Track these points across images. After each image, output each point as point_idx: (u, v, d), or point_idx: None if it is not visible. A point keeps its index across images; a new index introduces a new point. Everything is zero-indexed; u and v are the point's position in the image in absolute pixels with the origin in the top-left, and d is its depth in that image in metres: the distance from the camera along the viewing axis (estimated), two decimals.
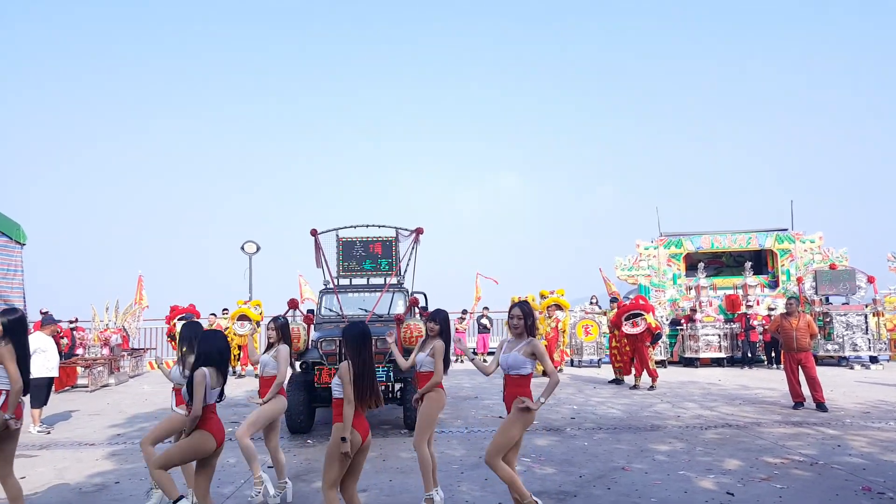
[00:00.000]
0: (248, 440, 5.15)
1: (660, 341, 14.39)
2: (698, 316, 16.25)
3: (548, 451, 6.91)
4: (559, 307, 14.27)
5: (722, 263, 18.97)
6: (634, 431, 7.90)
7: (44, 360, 8.60)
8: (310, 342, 8.38)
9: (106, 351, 14.92)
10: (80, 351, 15.02)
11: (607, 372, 14.31)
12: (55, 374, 8.95)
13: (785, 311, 9.77)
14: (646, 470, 6.07)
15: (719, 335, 16.08)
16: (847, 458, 6.32)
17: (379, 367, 7.76)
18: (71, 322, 16.23)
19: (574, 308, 16.07)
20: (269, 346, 5.69)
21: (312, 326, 8.72)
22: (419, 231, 9.24)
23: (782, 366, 10.34)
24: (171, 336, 15.21)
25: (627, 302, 12.97)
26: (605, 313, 15.26)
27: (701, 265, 17.43)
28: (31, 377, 8.10)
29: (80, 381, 13.64)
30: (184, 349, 4.94)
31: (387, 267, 9.59)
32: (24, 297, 18.97)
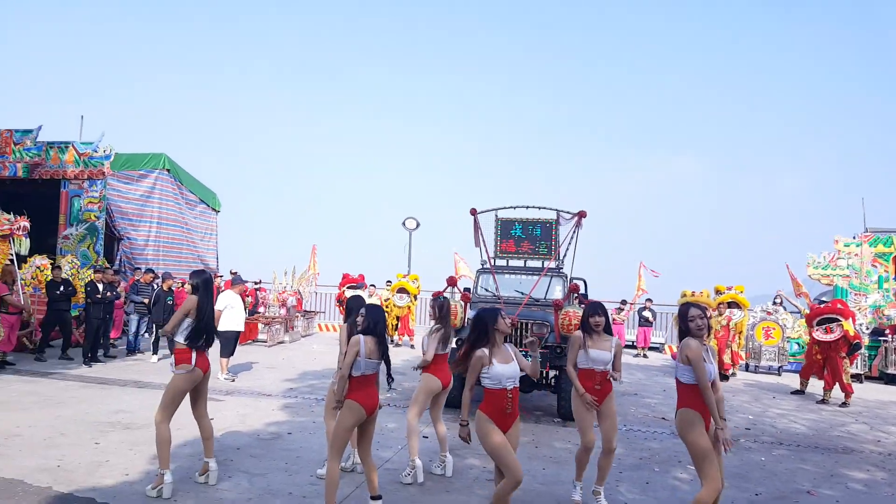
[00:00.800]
0: (413, 419, 5.37)
1: (858, 353, 12.58)
2: None
3: None
4: (736, 305, 13.02)
5: None
6: (822, 452, 7.02)
7: (233, 315, 9.58)
8: (466, 320, 8.49)
9: (283, 311, 16.47)
10: (261, 309, 16.73)
11: (790, 380, 12.87)
12: (241, 328, 9.92)
13: None
14: (837, 498, 5.37)
15: None
16: None
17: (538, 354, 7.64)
18: (256, 283, 18.14)
19: (754, 307, 14.56)
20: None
21: (469, 305, 8.82)
22: (581, 214, 8.85)
23: None
24: (339, 301, 16.41)
25: (822, 305, 11.47)
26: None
27: None
28: (221, 330, 9.25)
29: (259, 337, 15.22)
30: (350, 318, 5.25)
31: (545, 250, 9.38)
32: (217, 259, 21.68)
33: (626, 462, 6.17)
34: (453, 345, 7.48)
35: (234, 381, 9.54)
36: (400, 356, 13.81)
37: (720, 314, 12.78)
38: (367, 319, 4.31)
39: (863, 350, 13.67)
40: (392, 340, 16.12)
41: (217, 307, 9.54)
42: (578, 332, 4.96)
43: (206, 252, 21.06)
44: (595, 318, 4.94)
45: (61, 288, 10.73)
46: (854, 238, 16.03)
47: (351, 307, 5.20)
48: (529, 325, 7.90)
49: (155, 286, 11.78)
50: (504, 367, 3.84)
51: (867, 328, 14.57)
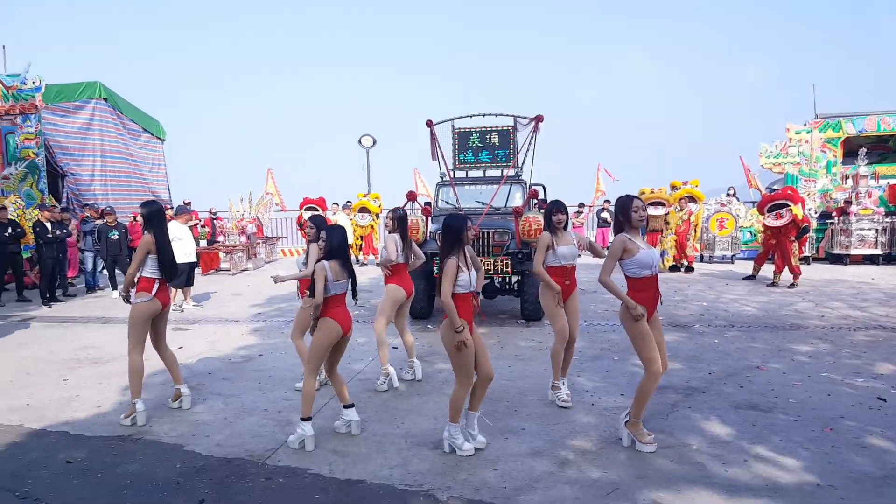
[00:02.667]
0: (381, 329, 5.47)
1: (806, 236, 13.16)
2: (853, 208, 14.55)
3: (674, 346, 6.73)
4: (692, 199, 13.36)
5: (888, 149, 16.58)
6: (771, 330, 7.47)
7: (181, 246, 9.21)
8: (428, 234, 8.53)
9: (243, 239, 16.26)
10: (220, 238, 16.48)
11: (742, 268, 13.48)
12: (193, 259, 9.65)
13: None
14: (784, 370, 5.75)
15: (876, 230, 14.39)
16: None
17: (497, 259, 7.79)
18: (212, 213, 17.73)
19: (709, 200, 14.97)
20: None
21: (430, 218, 8.83)
22: (539, 119, 8.77)
23: None
24: (300, 225, 16.25)
25: (773, 192, 11.84)
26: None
27: (862, 151, 15.20)
28: None
29: (222, 266, 15.08)
30: (310, 240, 5.23)
31: (504, 158, 9.33)
32: (168, 190, 20.97)
33: (586, 354, 6.46)
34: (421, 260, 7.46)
35: (201, 307, 9.50)
36: (366, 275, 13.88)
37: (681, 209, 13.11)
38: (328, 242, 4.27)
39: (811, 233, 14.32)
40: (357, 260, 16.16)
41: None
42: (546, 233, 5.01)
43: (157, 184, 20.33)
44: (558, 216, 5.01)
45: (9, 230, 10.32)
46: (805, 125, 16.35)
47: (319, 226, 5.16)
48: (491, 233, 7.98)
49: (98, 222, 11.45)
50: (470, 274, 3.97)
51: (815, 212, 15.19)
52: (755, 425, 4.40)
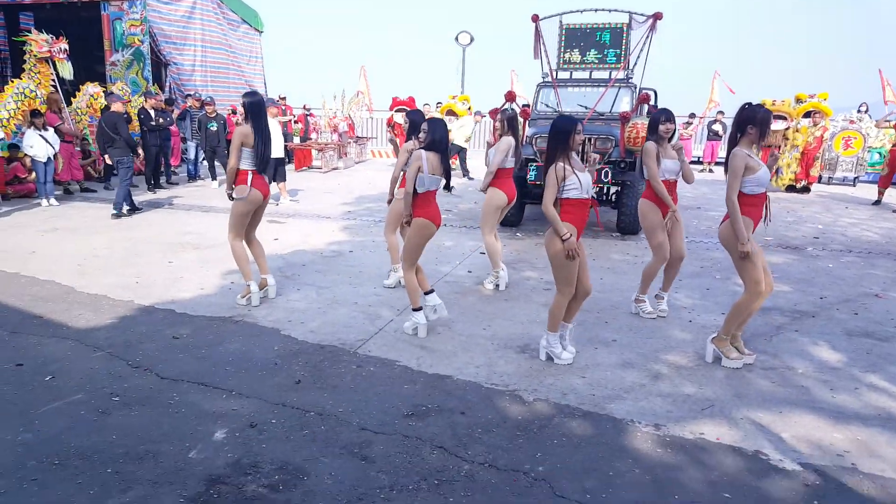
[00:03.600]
0: (491, 240, 5.42)
1: None
2: None
3: (783, 268, 6.27)
4: (820, 113, 12.01)
5: None
6: (895, 258, 6.80)
7: None
8: (524, 138, 8.19)
9: (335, 137, 16.38)
10: (313, 136, 16.67)
11: (865, 192, 12.24)
12: (280, 154, 9.57)
13: None
14: None
15: None
16: None
17: (601, 169, 7.40)
18: (306, 109, 17.87)
19: (836, 117, 13.43)
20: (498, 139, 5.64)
21: (528, 122, 8.45)
22: (657, 16, 7.97)
23: None
24: (390, 125, 16.14)
25: None
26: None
27: None
28: None
29: (314, 163, 15.35)
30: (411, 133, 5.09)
31: (614, 59, 8.63)
32: (264, 83, 21.18)
33: (686, 271, 6.12)
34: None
35: (297, 202, 9.75)
36: (454, 180, 13.77)
37: (815, 125, 11.85)
38: (429, 134, 4.14)
39: None
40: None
41: None
42: (651, 143, 4.63)
43: (254, 77, 20.52)
44: (666, 125, 4.61)
45: (156, 119, 10.72)
46: None
47: (414, 121, 5.02)
48: (592, 140, 7.55)
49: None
50: (584, 176, 3.68)
51: None
52: (869, 353, 4.09)
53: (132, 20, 13.67)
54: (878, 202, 10.78)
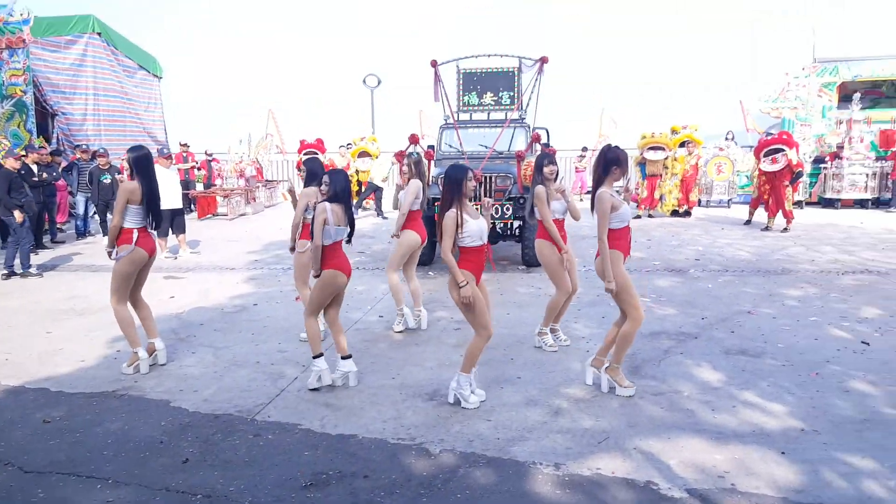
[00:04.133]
0: (395, 280, 5.52)
1: (800, 181, 13.11)
2: (846, 153, 14.49)
3: (669, 291, 6.76)
4: (693, 143, 13.17)
5: (881, 94, 16.48)
6: (763, 275, 7.50)
7: (162, 192, 9.05)
8: (430, 178, 8.39)
9: (242, 182, 15.99)
10: (217, 182, 16.20)
11: (738, 213, 13.45)
12: (176, 205, 9.29)
13: None
14: (773, 315, 5.80)
15: (867, 174, 14.41)
16: None
17: (499, 206, 7.72)
18: (208, 155, 17.34)
19: (707, 145, 14.77)
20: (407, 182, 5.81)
21: (433, 162, 8.68)
22: (544, 60, 8.55)
23: None
24: (299, 169, 15.93)
25: (769, 137, 11.70)
26: None
27: (856, 96, 15.08)
28: None
29: (220, 210, 14.89)
30: (310, 182, 5.12)
31: (509, 100, 9.13)
32: (164, 130, 20.40)
33: (583, 300, 6.47)
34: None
35: (176, 258, 9.32)
36: (368, 220, 13.80)
37: (690, 153, 12.94)
38: (331, 186, 4.19)
39: (804, 178, 14.28)
40: (362, 206, 15.79)
41: None
42: (540, 187, 4.87)
43: (153, 124, 19.70)
44: (550, 167, 4.89)
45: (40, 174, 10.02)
46: (803, 70, 16.06)
47: (312, 170, 5.04)
48: (493, 178, 7.89)
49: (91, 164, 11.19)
50: (479, 223, 3.85)
51: (810, 157, 15.11)
52: (744, 371, 4.47)
53: (13, 70, 12.83)
54: (748, 222, 11.88)
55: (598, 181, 4.06)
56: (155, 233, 4.91)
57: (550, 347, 4.97)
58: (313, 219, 4.10)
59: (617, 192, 4.11)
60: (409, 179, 5.72)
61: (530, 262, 8.13)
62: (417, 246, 5.61)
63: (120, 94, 17.73)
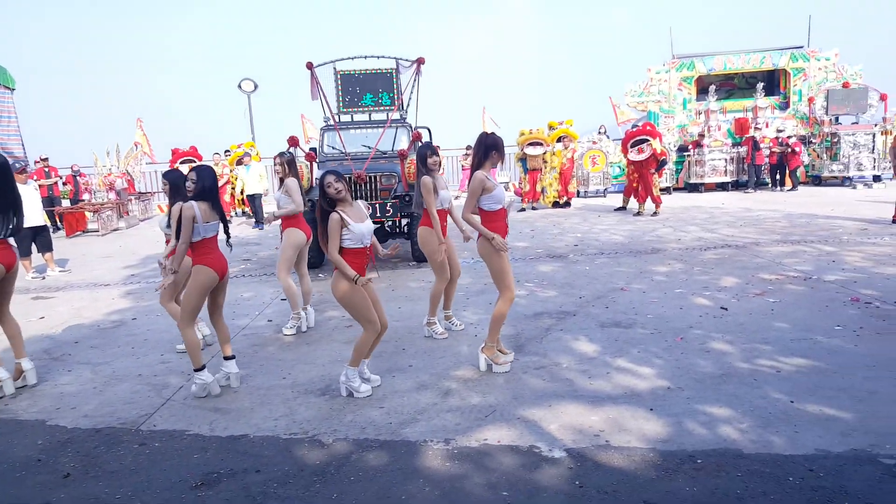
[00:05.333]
0: (285, 278, 5.42)
1: (665, 168, 14.30)
2: (706, 141, 16.01)
3: (550, 276, 7.16)
4: (569, 138, 13.98)
5: (734, 86, 18.17)
6: (635, 255, 8.11)
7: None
8: (313, 180, 8.35)
9: (112, 195, 15.01)
10: (86, 196, 15.11)
11: (614, 201, 14.42)
12: (38, 222, 8.68)
13: None
14: (644, 290, 6.31)
15: (726, 160, 15.98)
16: (840, 273, 6.51)
17: (386, 203, 7.82)
18: (74, 169, 16.14)
19: (582, 139, 15.74)
20: (281, 182, 5.71)
21: (315, 164, 8.63)
22: (420, 61, 8.77)
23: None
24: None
25: (634, 129, 12.67)
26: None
27: (712, 88, 16.73)
28: None
29: (90, 226, 13.88)
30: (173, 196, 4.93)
31: (389, 101, 9.23)
32: (22, 144, 18.65)
33: (472, 290, 6.72)
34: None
35: (44, 278, 8.68)
36: (253, 228, 13.40)
37: (566, 147, 13.66)
38: (198, 182, 4.06)
39: (670, 165, 15.62)
40: (244, 213, 15.36)
41: None
42: (427, 177, 4.98)
43: (8, 139, 17.90)
44: (433, 158, 5.04)
45: None
46: (664, 65, 17.44)
47: (174, 182, 4.81)
48: (378, 177, 7.96)
49: None
50: (362, 226, 3.88)
51: (674, 146, 16.52)
52: (617, 341, 4.84)
53: None
54: (622, 208, 12.79)
55: (478, 165, 4.25)
56: (14, 243, 4.53)
57: (441, 335, 5.12)
58: (178, 221, 3.97)
59: (504, 184, 4.35)
60: (282, 179, 5.69)
61: (420, 257, 8.30)
62: (304, 243, 5.58)
63: None
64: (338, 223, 3.79)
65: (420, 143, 8.64)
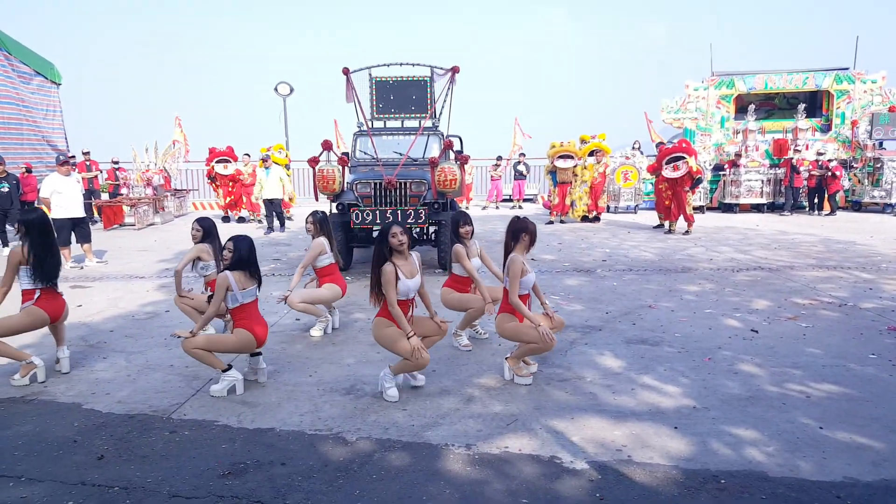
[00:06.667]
0: (299, 305, 5.37)
1: (700, 186, 14.12)
2: (742, 161, 15.75)
3: (577, 290, 7.13)
4: (601, 152, 13.88)
5: (774, 106, 17.84)
6: (665, 273, 8.04)
7: (61, 200, 8.65)
8: (345, 184, 8.49)
9: (149, 191, 15.40)
10: (124, 191, 15.54)
11: (644, 218, 14.28)
12: (78, 213, 8.87)
13: None
14: (672, 308, 6.24)
15: (762, 181, 15.69)
16: (878, 301, 6.36)
17: (417, 209, 7.90)
18: (114, 163, 16.61)
19: (615, 154, 15.64)
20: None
21: (347, 169, 8.76)
22: (455, 70, 8.83)
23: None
24: (210, 178, 15.52)
25: (670, 146, 12.55)
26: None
27: (751, 107, 16.43)
28: (53, 217, 8.34)
29: (127, 220, 14.26)
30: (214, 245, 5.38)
31: (422, 108, 9.34)
32: (65, 138, 19.28)
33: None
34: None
35: (105, 263, 9.01)
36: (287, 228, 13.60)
37: (598, 162, 13.60)
38: (235, 253, 4.17)
39: (704, 184, 15.42)
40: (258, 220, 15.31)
41: (42, 194, 8.72)
42: (459, 246, 5.10)
43: (52, 132, 18.54)
44: (465, 228, 5.16)
45: None
46: (702, 82, 17.24)
47: (207, 229, 5.27)
48: (408, 184, 8.05)
49: None
50: (410, 282, 4.01)
51: (710, 164, 16.29)
52: (643, 357, 4.80)
53: None
54: (661, 225, 12.64)
55: (508, 248, 4.36)
56: (61, 290, 4.71)
57: (465, 347, 5.14)
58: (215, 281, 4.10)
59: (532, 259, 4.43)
60: (313, 237, 5.69)
61: (446, 265, 8.35)
62: (339, 297, 5.66)
63: (16, 101, 16.66)
64: (392, 275, 3.91)
65: (452, 152, 8.72)
